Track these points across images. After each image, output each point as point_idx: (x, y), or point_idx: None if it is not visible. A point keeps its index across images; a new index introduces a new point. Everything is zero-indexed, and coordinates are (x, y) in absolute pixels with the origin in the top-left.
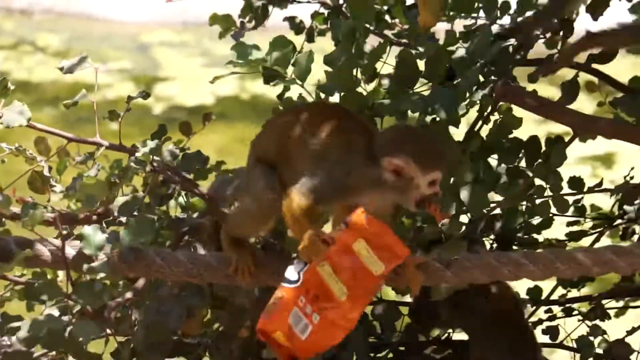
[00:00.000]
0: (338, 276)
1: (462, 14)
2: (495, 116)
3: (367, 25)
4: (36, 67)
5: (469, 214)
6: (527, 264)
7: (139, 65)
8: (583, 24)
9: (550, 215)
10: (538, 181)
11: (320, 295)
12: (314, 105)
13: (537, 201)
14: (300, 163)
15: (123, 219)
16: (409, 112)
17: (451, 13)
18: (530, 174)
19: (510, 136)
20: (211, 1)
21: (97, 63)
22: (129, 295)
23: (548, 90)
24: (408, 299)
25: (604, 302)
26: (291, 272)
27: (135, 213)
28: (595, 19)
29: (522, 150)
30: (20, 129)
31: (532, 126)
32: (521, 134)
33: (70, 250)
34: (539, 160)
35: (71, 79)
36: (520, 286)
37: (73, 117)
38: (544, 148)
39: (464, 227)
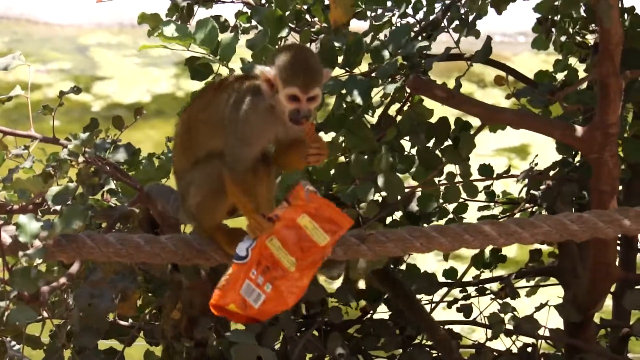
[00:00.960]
0: (286, 248)
1: (374, 7)
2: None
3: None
4: None
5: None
6: (437, 236)
7: (78, 66)
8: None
9: (463, 200)
10: (449, 168)
11: (271, 266)
12: (196, 94)
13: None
14: (217, 138)
15: (57, 208)
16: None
17: (363, 7)
18: (441, 156)
19: None
20: (145, 3)
21: (38, 64)
22: (63, 280)
23: (464, 85)
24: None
25: (516, 282)
26: (241, 249)
27: (69, 202)
28: (499, 13)
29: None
30: None
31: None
32: None
33: (7, 237)
34: (449, 144)
35: (12, 79)
36: (439, 268)
37: (15, 115)
38: (452, 127)
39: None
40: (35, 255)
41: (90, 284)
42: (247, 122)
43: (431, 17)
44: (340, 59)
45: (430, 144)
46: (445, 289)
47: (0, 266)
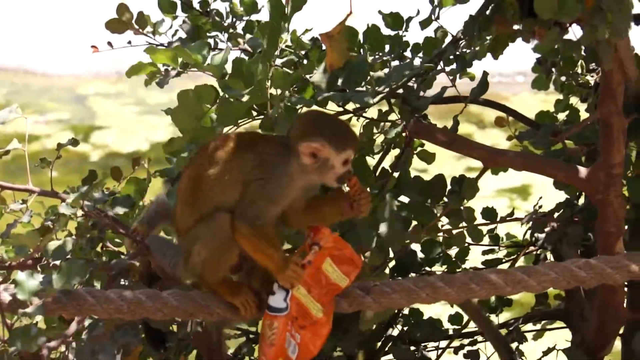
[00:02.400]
0: (312, 295)
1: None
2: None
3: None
4: None
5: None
6: (443, 286)
7: (76, 115)
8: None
9: (467, 244)
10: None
11: (299, 315)
12: (205, 146)
13: (453, 232)
14: (228, 195)
15: (57, 262)
16: None
17: (361, 51)
18: (438, 211)
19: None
20: (141, 54)
21: (36, 115)
22: (64, 336)
23: (463, 126)
24: None
25: (523, 326)
26: (278, 301)
27: (68, 257)
28: (495, 58)
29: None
30: None
31: (452, 160)
32: (442, 167)
33: (6, 295)
34: (450, 195)
35: (10, 131)
36: (444, 312)
37: (13, 167)
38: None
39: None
40: (35, 313)
41: (92, 339)
42: (278, 184)
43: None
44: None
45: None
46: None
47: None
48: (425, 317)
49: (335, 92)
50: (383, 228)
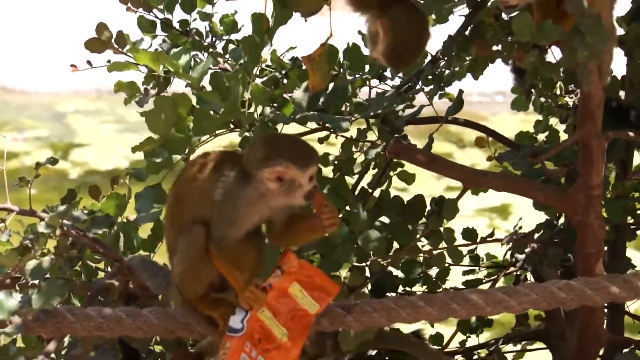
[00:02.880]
0: (277, 319)
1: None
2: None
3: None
4: None
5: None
6: (424, 306)
7: (55, 133)
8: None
9: (447, 265)
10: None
11: (263, 338)
12: (191, 162)
13: (434, 252)
14: (203, 209)
15: (36, 282)
16: None
17: (340, 70)
18: (417, 232)
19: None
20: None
21: (14, 132)
22: (41, 357)
23: (442, 145)
24: None
25: (503, 347)
26: (236, 322)
27: (47, 276)
28: (475, 78)
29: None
30: None
31: (432, 180)
32: (422, 187)
33: None
34: (431, 209)
35: None
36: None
37: None
38: (428, 207)
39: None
40: (14, 332)
41: (70, 359)
42: (235, 207)
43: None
44: None
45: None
46: None
47: None
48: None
49: (315, 112)
50: (362, 240)
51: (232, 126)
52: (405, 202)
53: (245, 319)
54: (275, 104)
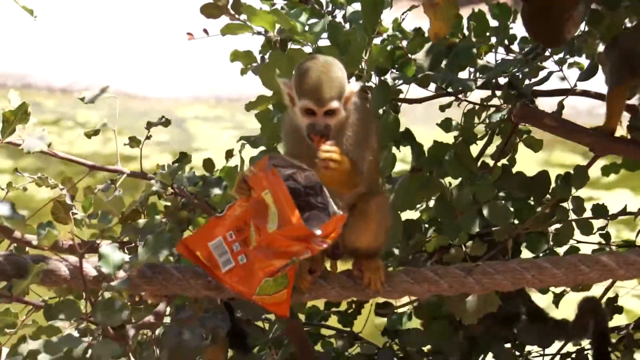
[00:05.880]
0: (253, 222)
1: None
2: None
3: None
4: (76, 140)
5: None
6: (550, 267)
7: (175, 138)
8: None
9: (575, 242)
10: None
11: (247, 240)
12: None
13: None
14: None
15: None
16: None
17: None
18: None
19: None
20: (241, 78)
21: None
22: (150, 318)
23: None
24: None
25: (635, 333)
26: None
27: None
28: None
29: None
30: (42, 159)
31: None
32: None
33: (90, 270)
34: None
35: (109, 151)
36: None
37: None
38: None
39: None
40: (120, 286)
41: (179, 322)
42: (283, 137)
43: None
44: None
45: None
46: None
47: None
48: None
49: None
50: (485, 210)
51: None
52: (529, 178)
53: (229, 205)
54: (396, 66)
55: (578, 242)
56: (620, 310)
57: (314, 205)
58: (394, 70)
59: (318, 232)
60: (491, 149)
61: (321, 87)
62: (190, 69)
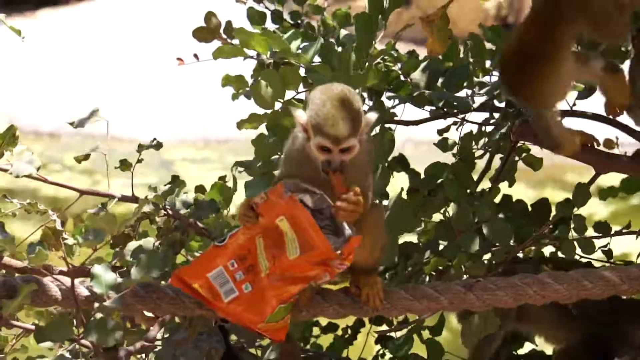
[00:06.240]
0: (265, 250)
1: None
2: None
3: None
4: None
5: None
6: (552, 283)
7: (163, 180)
8: None
9: (578, 256)
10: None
11: (255, 267)
12: None
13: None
14: None
15: None
16: None
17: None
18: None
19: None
20: (229, 120)
21: (122, 178)
22: (142, 343)
23: None
24: None
25: None
26: (226, 234)
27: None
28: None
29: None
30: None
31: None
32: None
33: (82, 290)
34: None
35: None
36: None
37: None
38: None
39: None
40: (112, 306)
41: (173, 344)
42: (286, 159)
43: None
44: None
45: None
46: None
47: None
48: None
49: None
50: (486, 228)
51: None
52: (529, 206)
53: (230, 233)
54: (391, 87)
55: (581, 257)
56: None
57: (322, 228)
58: (389, 92)
59: (338, 253)
60: (490, 173)
61: (338, 126)
62: (178, 112)
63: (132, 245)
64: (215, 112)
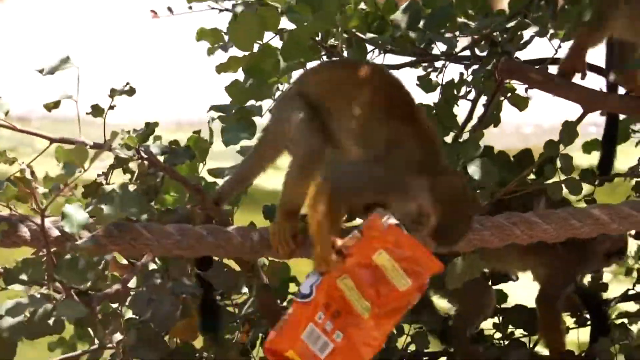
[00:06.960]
0: (359, 290)
1: None
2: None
3: None
4: (34, 166)
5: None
6: (540, 222)
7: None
8: None
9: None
10: None
11: (343, 311)
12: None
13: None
14: (345, 131)
15: None
16: None
17: None
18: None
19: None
20: (203, 102)
21: (97, 161)
22: (117, 287)
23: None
24: None
25: None
26: (305, 286)
27: None
28: None
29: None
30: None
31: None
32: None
33: (53, 231)
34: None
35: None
36: None
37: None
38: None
39: None
40: (84, 246)
41: (149, 289)
42: (386, 181)
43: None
44: None
45: None
46: None
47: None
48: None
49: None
50: (472, 167)
51: (323, 53)
52: (512, 157)
53: (315, 284)
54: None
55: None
56: (605, 287)
57: None
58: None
59: None
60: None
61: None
62: (151, 95)
63: (106, 188)
64: (188, 95)
